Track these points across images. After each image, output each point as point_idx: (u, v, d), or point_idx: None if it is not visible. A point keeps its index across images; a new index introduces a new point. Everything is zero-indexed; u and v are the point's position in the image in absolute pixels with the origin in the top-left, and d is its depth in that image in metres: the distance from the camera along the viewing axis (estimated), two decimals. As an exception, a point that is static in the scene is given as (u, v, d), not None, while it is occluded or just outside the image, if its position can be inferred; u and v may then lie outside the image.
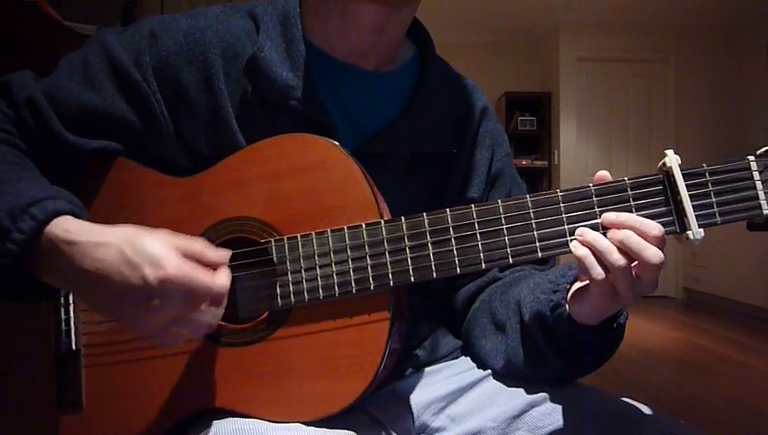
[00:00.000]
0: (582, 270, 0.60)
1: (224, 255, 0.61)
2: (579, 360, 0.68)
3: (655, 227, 0.59)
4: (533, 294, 0.69)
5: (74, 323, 0.70)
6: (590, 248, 0.59)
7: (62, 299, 0.70)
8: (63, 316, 0.70)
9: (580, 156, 5.81)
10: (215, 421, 0.63)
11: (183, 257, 0.57)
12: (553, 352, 0.68)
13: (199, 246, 0.60)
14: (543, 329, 0.68)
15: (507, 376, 0.75)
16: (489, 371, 0.78)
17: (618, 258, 0.58)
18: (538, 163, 5.96)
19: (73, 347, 0.69)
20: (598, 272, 0.59)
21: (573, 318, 0.65)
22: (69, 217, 0.61)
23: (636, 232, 0.59)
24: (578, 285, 0.66)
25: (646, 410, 0.69)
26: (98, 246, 0.58)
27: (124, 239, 0.58)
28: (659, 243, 0.58)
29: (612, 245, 0.58)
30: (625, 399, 0.71)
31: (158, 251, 0.56)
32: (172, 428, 0.67)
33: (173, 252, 0.57)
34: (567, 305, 0.65)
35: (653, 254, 0.57)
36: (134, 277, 0.55)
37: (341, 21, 0.73)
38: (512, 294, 0.75)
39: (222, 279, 0.59)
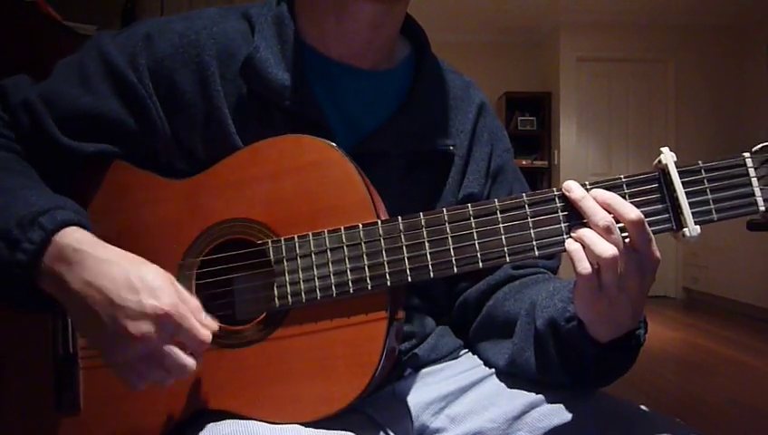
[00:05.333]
0: (572, 264, 0.60)
1: (212, 323, 0.62)
2: (580, 374, 0.67)
3: (632, 212, 0.59)
4: (552, 299, 0.69)
5: (71, 327, 0.70)
6: (580, 243, 0.60)
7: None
8: (61, 319, 0.70)
9: (579, 156, 5.81)
10: (212, 423, 0.63)
11: (180, 299, 0.59)
12: (560, 362, 0.68)
13: (195, 301, 0.61)
14: (556, 337, 0.67)
15: (510, 375, 0.75)
16: (489, 371, 0.78)
17: (603, 249, 0.58)
18: (538, 163, 5.96)
19: (71, 350, 0.69)
20: (584, 266, 0.59)
21: (585, 332, 0.64)
22: (77, 227, 0.62)
23: (612, 211, 0.59)
24: None
25: (646, 410, 0.68)
26: (104, 262, 0.59)
27: (131, 264, 0.60)
28: (634, 227, 0.58)
29: (599, 237, 0.59)
30: (625, 399, 0.71)
31: (159, 284, 0.59)
32: (170, 430, 0.67)
33: (173, 290, 0.59)
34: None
35: (599, 218, 0.59)
36: (130, 300, 0.57)
37: (338, 20, 0.73)
38: (527, 294, 0.75)
39: (207, 332, 0.60)
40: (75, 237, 0.61)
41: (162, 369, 0.59)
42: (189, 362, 0.59)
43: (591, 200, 0.60)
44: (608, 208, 0.60)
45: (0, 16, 1.50)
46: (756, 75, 5.55)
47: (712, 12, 5.54)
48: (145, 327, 0.57)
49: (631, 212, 0.59)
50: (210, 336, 0.60)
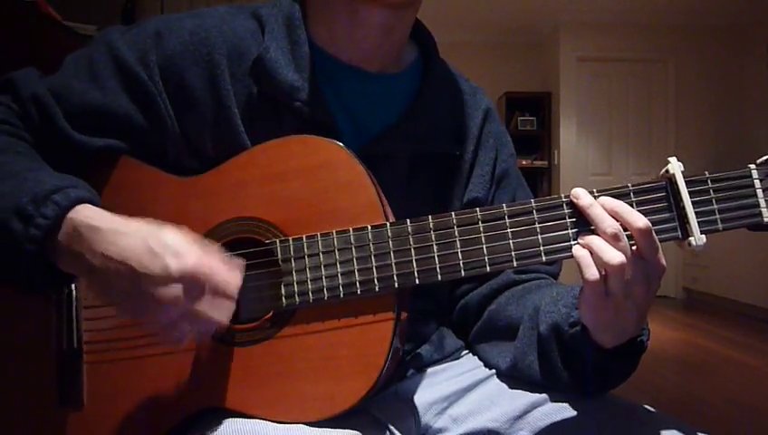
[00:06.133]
0: (579, 271, 0.60)
1: (239, 263, 0.62)
2: (583, 379, 0.68)
3: (639, 220, 0.59)
4: (556, 304, 0.69)
5: (76, 321, 0.70)
6: (587, 249, 0.60)
7: (65, 296, 0.70)
8: (65, 313, 0.70)
9: (580, 156, 5.81)
10: (217, 421, 0.63)
11: (204, 253, 0.59)
12: (563, 367, 0.68)
13: (216, 250, 0.61)
14: (559, 342, 0.68)
15: (511, 377, 0.75)
16: (492, 371, 0.78)
17: (611, 256, 0.58)
18: (538, 163, 5.96)
19: (75, 345, 0.69)
20: (592, 272, 0.59)
21: (588, 338, 0.64)
22: (90, 205, 0.62)
23: (619, 219, 0.59)
24: None
25: (647, 410, 0.69)
26: (121, 235, 0.58)
27: (147, 230, 0.59)
28: (642, 235, 0.59)
29: (607, 244, 0.59)
30: (627, 399, 0.71)
31: (180, 243, 0.58)
32: (174, 427, 0.67)
33: (194, 246, 0.58)
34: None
35: (607, 225, 0.59)
36: (156, 265, 0.56)
37: (350, 24, 0.73)
38: (530, 299, 0.75)
39: (237, 277, 0.60)
40: (88, 214, 0.60)
41: (202, 322, 0.59)
42: (223, 315, 0.59)
43: (599, 208, 0.60)
44: (615, 216, 0.60)
45: (0, 16, 1.50)
46: (756, 75, 5.55)
47: (712, 12, 5.54)
48: (175, 290, 0.56)
49: (639, 220, 0.59)
50: (240, 278, 0.60)
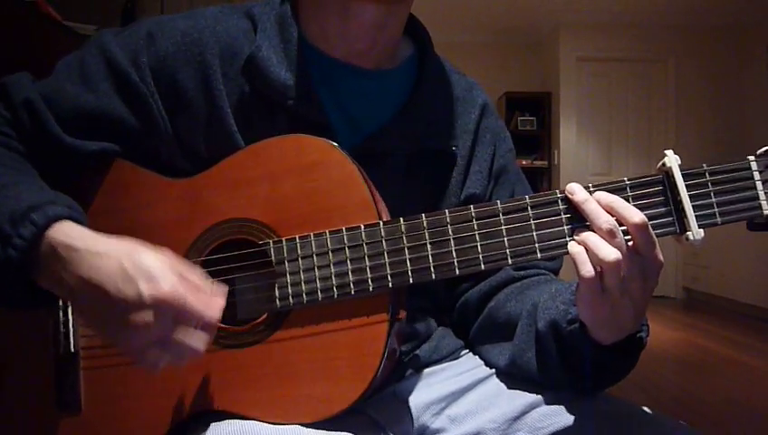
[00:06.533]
0: (574, 267, 0.60)
1: (221, 290, 0.60)
2: (582, 376, 0.67)
3: (635, 215, 0.58)
4: (554, 301, 0.69)
5: (72, 326, 0.69)
6: (583, 246, 0.59)
7: (61, 302, 0.70)
8: (62, 318, 0.70)
9: (579, 156, 5.81)
10: (213, 423, 0.63)
11: (180, 279, 0.57)
12: (561, 364, 0.68)
13: (197, 274, 0.59)
14: (557, 339, 0.67)
15: (510, 375, 0.75)
16: (490, 371, 0.78)
17: (606, 253, 0.57)
18: (538, 163, 5.96)
19: (72, 349, 0.69)
20: (587, 269, 0.58)
21: (586, 334, 0.64)
22: (69, 222, 0.61)
23: (615, 214, 0.59)
24: None
25: (647, 411, 0.68)
26: (97, 256, 0.57)
27: (124, 252, 0.57)
28: (638, 230, 0.58)
29: (602, 240, 0.58)
30: (625, 400, 0.71)
31: (156, 268, 0.56)
32: (171, 430, 0.67)
33: (171, 272, 0.56)
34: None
35: (602, 221, 0.58)
36: (129, 290, 0.55)
37: (342, 20, 0.73)
38: (529, 296, 0.75)
39: (215, 309, 0.58)
40: (66, 232, 0.59)
41: (174, 352, 0.57)
42: (198, 343, 0.57)
43: (594, 203, 0.60)
44: (611, 211, 0.59)
45: (0, 16, 1.49)
46: (756, 75, 5.54)
47: (712, 12, 5.54)
48: (147, 317, 0.55)
49: (635, 215, 0.58)
50: (217, 313, 0.57)
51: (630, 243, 0.59)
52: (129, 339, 0.56)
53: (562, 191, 0.62)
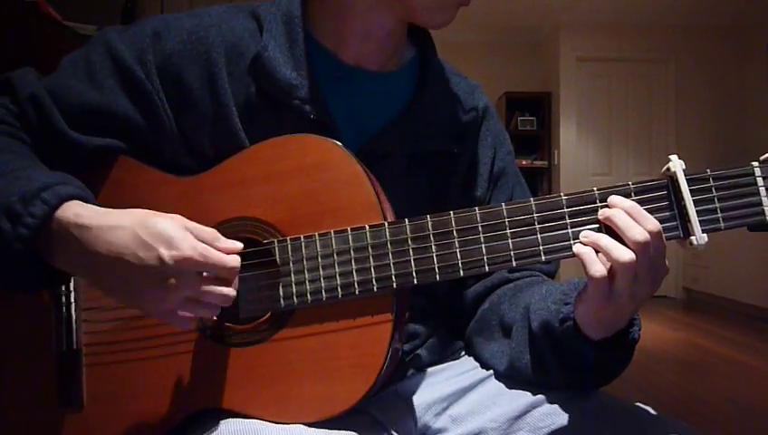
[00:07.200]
0: (582, 268, 0.60)
1: (234, 244, 0.62)
2: (581, 375, 0.68)
3: (651, 223, 0.59)
4: (545, 302, 0.69)
5: (75, 322, 0.70)
6: (593, 247, 0.60)
7: (63, 298, 0.70)
8: (64, 315, 0.70)
9: (579, 156, 5.82)
10: (216, 421, 0.63)
11: (195, 236, 0.59)
12: (557, 364, 0.68)
13: (210, 231, 0.61)
14: (550, 339, 0.68)
15: (509, 378, 0.75)
16: (491, 371, 0.78)
17: (621, 254, 0.58)
18: (538, 163, 5.96)
19: (74, 346, 0.69)
20: (597, 268, 0.59)
21: (580, 333, 0.65)
22: (79, 201, 0.61)
23: (630, 216, 0.60)
24: None
25: (647, 410, 0.69)
26: (111, 229, 0.58)
27: (137, 221, 0.59)
28: (653, 238, 0.59)
29: (616, 242, 0.59)
30: (626, 399, 0.71)
31: (172, 231, 0.58)
32: (173, 428, 0.67)
33: (187, 233, 0.58)
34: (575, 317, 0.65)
35: (636, 232, 0.58)
36: (149, 258, 0.56)
37: (364, 31, 0.74)
38: (522, 298, 0.75)
39: (234, 258, 0.60)
40: (78, 211, 0.60)
41: (204, 306, 0.59)
42: (228, 290, 0.59)
43: (623, 214, 0.60)
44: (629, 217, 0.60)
45: (0, 16, 1.49)
46: (756, 75, 5.55)
47: (712, 12, 5.54)
48: (172, 279, 0.57)
49: (651, 223, 0.59)
50: (238, 260, 0.60)
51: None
52: (158, 303, 0.58)
53: (567, 194, 0.63)
